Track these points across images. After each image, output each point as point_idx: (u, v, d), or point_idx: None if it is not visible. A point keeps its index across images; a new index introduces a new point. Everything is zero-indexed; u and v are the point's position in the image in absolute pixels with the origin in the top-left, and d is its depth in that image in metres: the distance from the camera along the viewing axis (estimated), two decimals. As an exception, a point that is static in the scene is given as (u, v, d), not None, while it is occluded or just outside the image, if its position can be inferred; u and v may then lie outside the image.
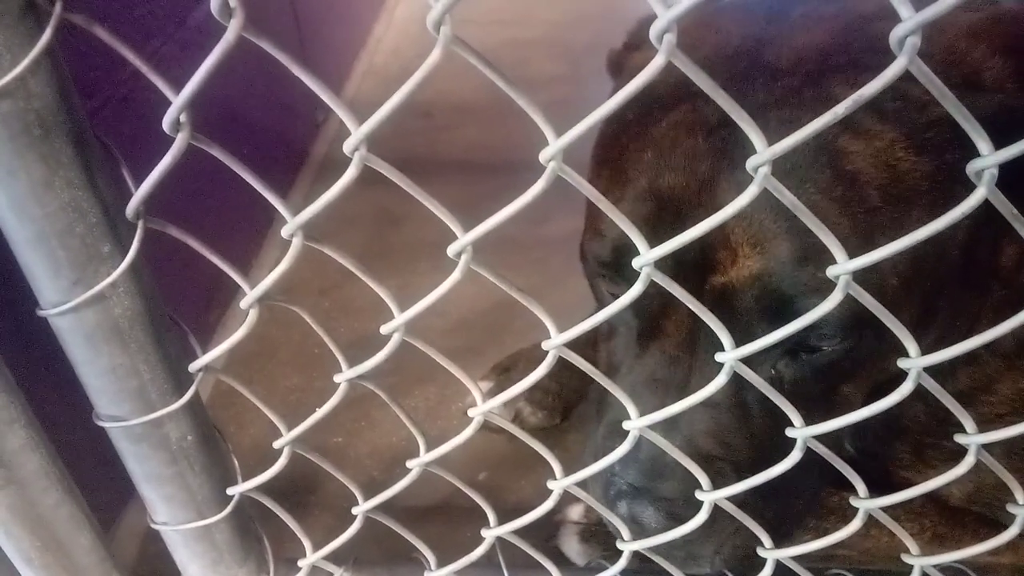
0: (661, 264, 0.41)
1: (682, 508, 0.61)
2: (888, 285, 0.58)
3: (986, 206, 0.36)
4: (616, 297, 0.44)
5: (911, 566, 0.59)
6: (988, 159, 0.34)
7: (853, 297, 0.39)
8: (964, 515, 0.77)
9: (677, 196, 0.59)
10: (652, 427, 0.52)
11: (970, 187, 0.57)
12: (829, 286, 0.40)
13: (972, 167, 0.35)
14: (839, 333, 0.59)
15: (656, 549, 0.62)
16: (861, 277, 0.39)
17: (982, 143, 0.34)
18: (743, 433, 0.63)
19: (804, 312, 0.42)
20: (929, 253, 0.59)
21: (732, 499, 0.55)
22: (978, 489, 0.75)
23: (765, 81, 0.59)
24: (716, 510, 0.56)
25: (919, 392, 0.71)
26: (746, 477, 0.54)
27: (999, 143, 0.34)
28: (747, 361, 0.45)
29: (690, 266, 0.59)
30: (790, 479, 0.55)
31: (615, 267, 0.65)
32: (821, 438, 0.50)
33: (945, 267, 0.61)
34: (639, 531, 0.63)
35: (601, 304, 0.72)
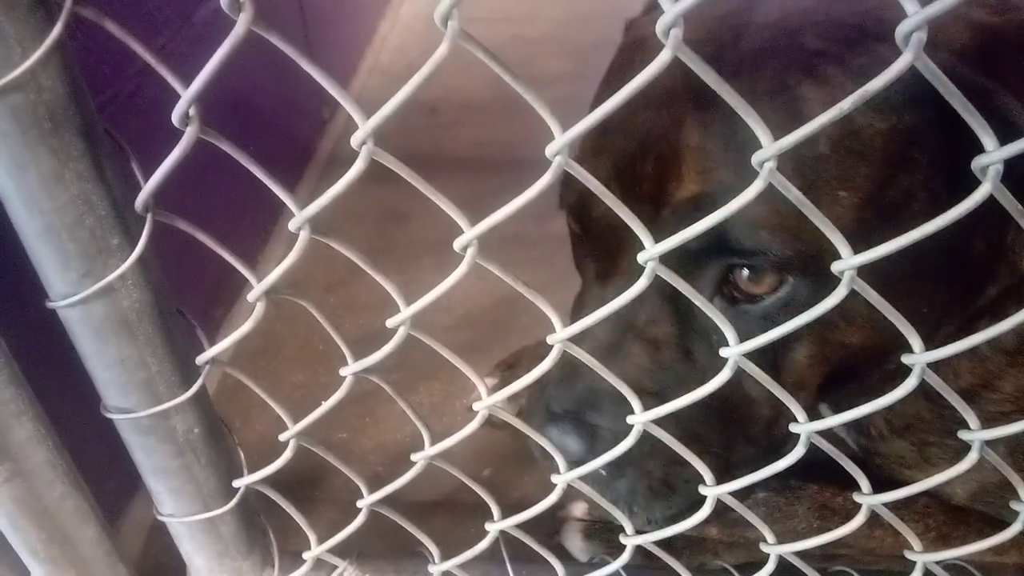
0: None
1: (610, 442, 0.60)
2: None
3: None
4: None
5: (914, 566, 0.59)
6: (993, 155, 0.34)
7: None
8: (968, 514, 0.77)
9: (646, 133, 0.61)
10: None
11: (925, 149, 0.56)
12: None
13: (977, 163, 0.35)
14: (773, 265, 0.59)
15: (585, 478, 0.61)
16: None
17: (988, 139, 0.34)
18: (678, 376, 0.63)
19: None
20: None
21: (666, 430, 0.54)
22: (983, 488, 0.75)
23: (750, 36, 0.60)
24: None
25: (923, 390, 0.71)
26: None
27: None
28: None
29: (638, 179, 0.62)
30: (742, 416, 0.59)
31: (579, 215, 0.68)
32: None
33: (914, 259, 0.61)
34: (567, 456, 0.62)
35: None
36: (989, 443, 0.49)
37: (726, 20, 0.62)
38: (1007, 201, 0.36)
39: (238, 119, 1.35)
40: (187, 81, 0.40)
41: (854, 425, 0.81)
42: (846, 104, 0.34)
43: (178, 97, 0.40)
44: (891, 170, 0.58)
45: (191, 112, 0.41)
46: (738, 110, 0.35)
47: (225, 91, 1.18)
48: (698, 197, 0.58)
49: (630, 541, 0.63)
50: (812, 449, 0.51)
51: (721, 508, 0.58)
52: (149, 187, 0.47)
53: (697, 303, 0.45)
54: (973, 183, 0.36)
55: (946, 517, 0.78)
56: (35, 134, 0.44)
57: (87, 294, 0.50)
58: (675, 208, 0.59)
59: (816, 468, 0.78)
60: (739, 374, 0.48)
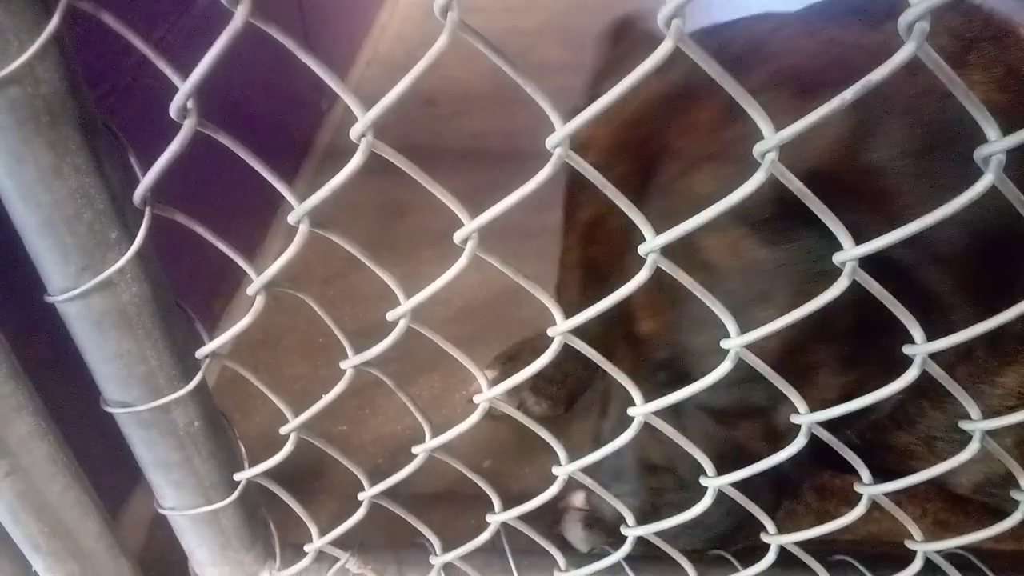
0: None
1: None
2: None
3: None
4: None
5: (914, 553, 0.59)
6: (996, 145, 0.34)
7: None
8: (968, 503, 0.78)
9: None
10: (656, 413, 0.52)
11: (829, 274, 0.58)
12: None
13: (980, 153, 0.35)
14: None
15: (661, 534, 0.62)
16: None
17: (990, 129, 0.34)
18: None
19: None
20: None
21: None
22: (988, 480, 0.75)
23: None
24: None
25: (920, 388, 0.71)
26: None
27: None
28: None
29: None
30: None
31: None
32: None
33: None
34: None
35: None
36: (994, 435, 0.49)
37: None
38: (1008, 191, 0.36)
39: (234, 111, 1.34)
40: (185, 73, 0.40)
41: (859, 418, 0.81)
42: (848, 94, 0.34)
43: (175, 89, 0.40)
44: (799, 299, 0.62)
45: (189, 105, 0.40)
46: (740, 101, 0.35)
47: (222, 83, 1.18)
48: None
49: (631, 532, 0.63)
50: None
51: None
52: (147, 180, 0.46)
53: (697, 294, 0.44)
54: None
55: (945, 504, 0.78)
56: (32, 127, 0.43)
57: (86, 288, 0.50)
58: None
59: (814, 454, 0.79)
60: None
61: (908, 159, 0.56)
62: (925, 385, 0.77)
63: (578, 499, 0.91)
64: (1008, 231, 0.51)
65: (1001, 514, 0.56)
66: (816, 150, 0.56)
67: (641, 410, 0.52)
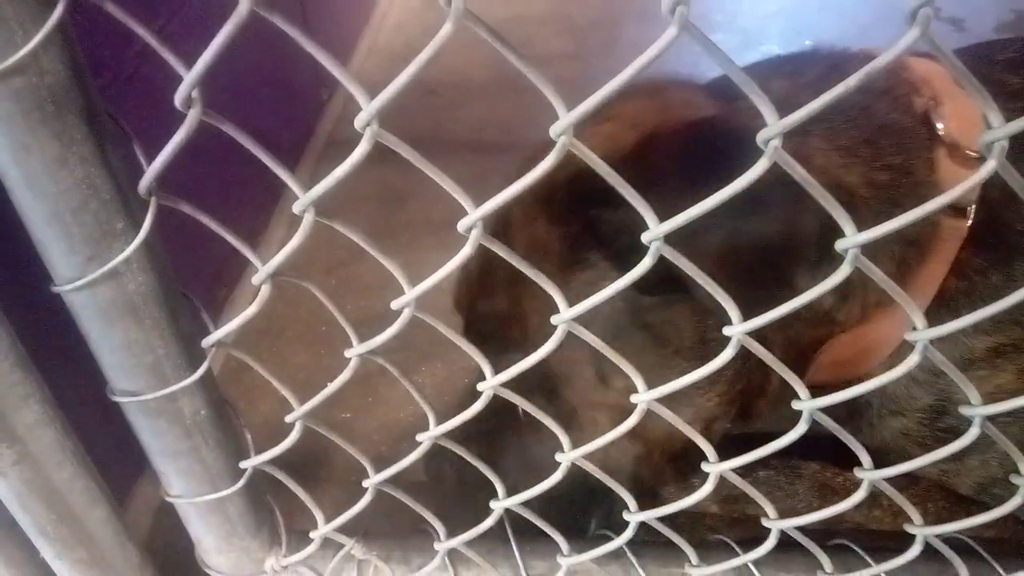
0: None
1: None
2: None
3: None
4: None
5: (912, 540, 0.60)
6: (999, 131, 0.34)
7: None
8: (972, 504, 0.78)
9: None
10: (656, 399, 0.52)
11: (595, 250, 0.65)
12: None
13: (983, 139, 0.35)
14: None
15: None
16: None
17: (993, 116, 0.34)
18: None
19: None
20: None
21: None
22: (991, 481, 0.76)
23: None
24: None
25: (915, 378, 0.72)
26: None
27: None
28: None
29: None
30: None
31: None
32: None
33: None
34: None
35: None
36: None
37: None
38: (1011, 178, 0.37)
39: (235, 101, 1.34)
40: (188, 63, 0.40)
41: (849, 405, 0.82)
42: (852, 81, 0.34)
43: (178, 78, 0.40)
44: (566, 272, 0.68)
45: (194, 95, 0.41)
46: (742, 87, 0.35)
47: (223, 73, 1.18)
48: None
49: (633, 518, 0.64)
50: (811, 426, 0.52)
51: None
52: (152, 170, 0.47)
53: (700, 282, 0.45)
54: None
55: (947, 503, 0.78)
56: (38, 117, 0.43)
57: (93, 278, 0.50)
58: None
59: (817, 448, 0.79)
60: None
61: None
62: (895, 408, 0.78)
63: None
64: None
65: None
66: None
67: (644, 397, 0.52)
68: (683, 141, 0.60)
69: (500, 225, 0.70)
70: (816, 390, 0.50)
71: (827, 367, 0.73)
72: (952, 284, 0.68)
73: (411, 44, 2.15)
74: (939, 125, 0.68)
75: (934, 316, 0.67)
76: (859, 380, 0.48)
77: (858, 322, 0.70)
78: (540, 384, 0.71)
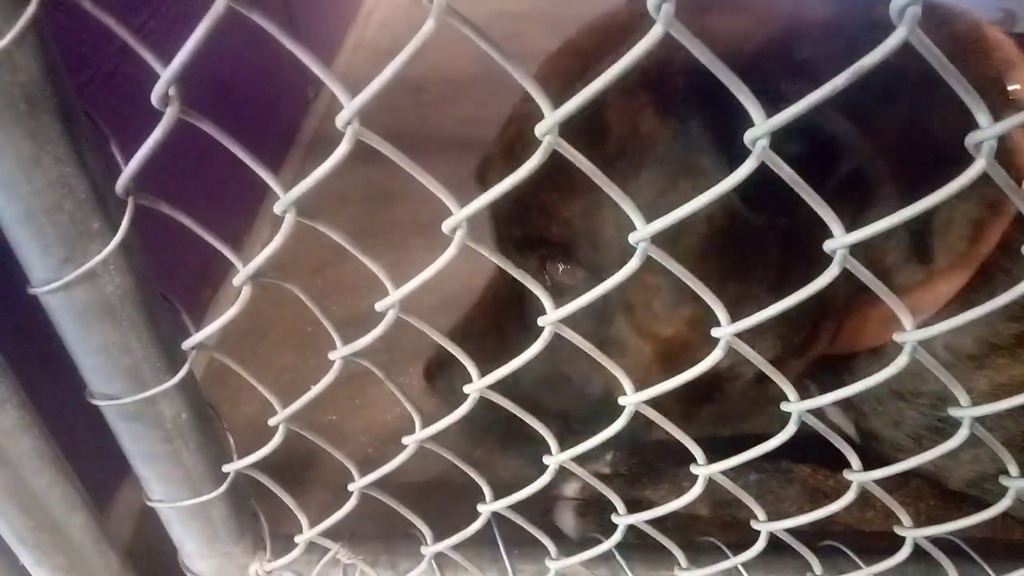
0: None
1: None
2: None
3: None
4: None
5: (903, 541, 0.59)
6: (987, 131, 0.34)
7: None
8: (963, 499, 0.78)
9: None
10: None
11: (710, 157, 0.59)
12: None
13: (971, 139, 0.35)
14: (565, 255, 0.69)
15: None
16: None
17: (981, 115, 0.34)
18: None
19: None
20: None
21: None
22: (981, 477, 0.76)
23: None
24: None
25: (894, 390, 0.72)
26: None
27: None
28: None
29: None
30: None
31: None
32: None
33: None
34: None
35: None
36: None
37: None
38: (1000, 177, 0.36)
39: (219, 99, 1.33)
40: (168, 60, 0.39)
41: (849, 410, 0.82)
42: (840, 80, 0.33)
43: (157, 77, 0.39)
44: (670, 177, 0.61)
45: (171, 92, 0.40)
46: (730, 87, 0.35)
47: (206, 71, 1.16)
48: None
49: (622, 520, 0.63)
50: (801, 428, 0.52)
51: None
52: (129, 170, 0.46)
53: (689, 284, 0.44)
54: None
55: (938, 501, 0.78)
56: (10, 116, 0.42)
57: (68, 280, 0.49)
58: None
59: (809, 451, 0.79)
60: None
61: None
62: (898, 388, 0.78)
63: (571, 488, 0.91)
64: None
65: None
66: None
67: (633, 399, 0.51)
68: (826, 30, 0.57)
69: (590, 109, 0.62)
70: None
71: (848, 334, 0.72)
72: (996, 258, 0.67)
73: (397, 40, 2.13)
74: (1012, 87, 0.66)
75: (977, 290, 0.67)
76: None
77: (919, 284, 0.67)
78: (601, 311, 0.67)
